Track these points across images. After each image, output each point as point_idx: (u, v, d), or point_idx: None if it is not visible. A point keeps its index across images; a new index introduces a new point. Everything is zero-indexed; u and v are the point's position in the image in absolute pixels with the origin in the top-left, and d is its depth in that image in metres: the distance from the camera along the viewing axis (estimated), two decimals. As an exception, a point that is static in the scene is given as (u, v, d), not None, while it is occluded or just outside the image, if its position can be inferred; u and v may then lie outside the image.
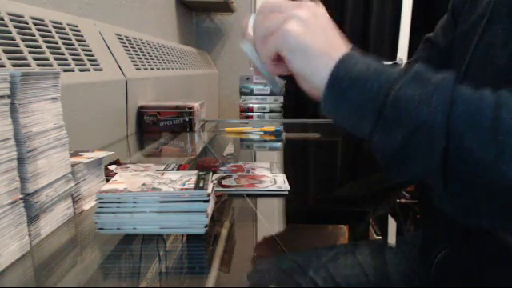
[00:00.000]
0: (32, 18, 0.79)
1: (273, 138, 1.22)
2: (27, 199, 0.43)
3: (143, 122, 1.20)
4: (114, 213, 0.46)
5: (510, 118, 0.30)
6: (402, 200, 0.74)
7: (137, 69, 1.24)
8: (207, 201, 0.46)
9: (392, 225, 0.68)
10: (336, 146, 1.23)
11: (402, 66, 0.79)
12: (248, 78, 1.93)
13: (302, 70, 0.39)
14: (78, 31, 0.96)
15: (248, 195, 0.64)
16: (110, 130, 1.03)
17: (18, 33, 0.73)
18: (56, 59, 0.81)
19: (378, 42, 2.34)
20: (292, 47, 0.39)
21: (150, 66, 1.37)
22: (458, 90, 0.32)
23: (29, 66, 0.72)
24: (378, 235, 0.63)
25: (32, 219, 0.44)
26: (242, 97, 1.96)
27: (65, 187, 0.50)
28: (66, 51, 0.86)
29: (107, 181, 0.55)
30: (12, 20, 0.73)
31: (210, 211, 0.47)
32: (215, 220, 0.54)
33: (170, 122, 1.21)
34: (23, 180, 0.43)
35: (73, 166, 0.52)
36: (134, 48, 1.31)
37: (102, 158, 0.59)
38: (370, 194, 0.79)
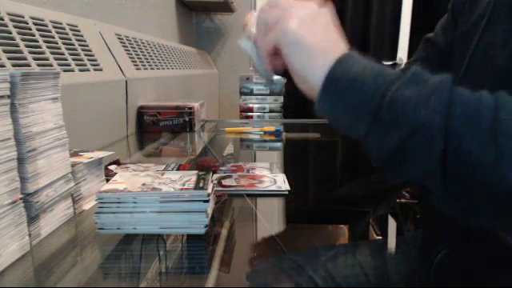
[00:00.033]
0: (32, 17, 0.79)
1: (273, 137, 1.22)
2: (27, 199, 0.43)
3: (143, 121, 1.20)
4: (114, 213, 0.46)
5: (509, 119, 0.30)
6: (402, 200, 0.74)
7: (137, 69, 1.24)
8: (207, 201, 0.46)
9: (392, 225, 0.68)
10: (336, 146, 1.23)
11: (402, 65, 0.79)
12: (248, 78, 1.93)
13: (298, 67, 0.39)
14: (78, 31, 0.96)
15: (248, 195, 0.64)
16: (110, 130, 1.03)
17: (18, 33, 0.73)
18: (56, 59, 0.81)
19: (378, 42, 2.34)
20: (290, 43, 0.39)
21: (149, 66, 1.37)
22: (455, 92, 0.31)
23: (29, 66, 0.72)
24: (378, 235, 0.63)
25: (32, 219, 0.44)
26: (242, 97, 1.96)
27: (65, 187, 0.50)
28: (65, 51, 0.86)
29: (107, 181, 0.55)
30: (12, 20, 0.73)
31: (210, 211, 0.47)
32: (215, 220, 0.54)
33: (169, 122, 1.21)
34: (23, 180, 0.43)
35: (73, 166, 0.52)
36: (134, 48, 1.31)
37: (102, 158, 0.59)
38: (369, 194, 0.79)
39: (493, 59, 0.47)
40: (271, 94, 1.94)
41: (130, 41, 1.30)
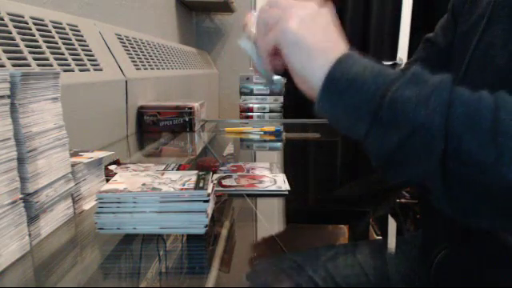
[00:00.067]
0: (32, 17, 0.79)
1: (273, 137, 1.22)
2: (27, 199, 0.43)
3: (143, 121, 1.20)
4: (114, 213, 0.46)
5: (509, 119, 0.30)
6: (402, 200, 0.74)
7: (137, 69, 1.24)
8: (207, 201, 0.46)
9: (392, 225, 0.68)
10: (336, 146, 1.23)
11: (402, 65, 0.79)
12: (248, 78, 1.93)
13: (298, 67, 0.39)
14: (78, 31, 0.96)
15: (248, 195, 0.64)
16: (110, 130, 1.03)
17: (18, 33, 0.73)
18: (56, 59, 0.81)
19: (378, 42, 2.34)
20: (290, 43, 0.39)
21: (150, 66, 1.37)
22: (455, 92, 0.31)
23: (29, 66, 0.72)
24: (378, 235, 0.63)
25: (32, 219, 0.44)
26: (242, 97, 1.96)
27: (65, 187, 0.50)
28: (65, 51, 0.86)
29: (107, 181, 0.55)
30: (12, 20, 0.73)
31: (210, 211, 0.47)
32: (215, 220, 0.54)
33: (169, 122, 1.21)
34: (23, 180, 0.43)
35: (73, 166, 0.52)
36: (134, 48, 1.31)
37: (102, 158, 0.59)
38: (369, 193, 0.79)
39: (493, 59, 0.47)
40: (271, 93, 1.94)
41: (129, 41, 1.30)
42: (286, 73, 0.46)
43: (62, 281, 0.39)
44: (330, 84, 0.36)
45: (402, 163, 0.33)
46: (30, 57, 0.73)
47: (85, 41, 0.97)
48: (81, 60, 0.92)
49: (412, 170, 0.33)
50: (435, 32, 0.64)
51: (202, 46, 2.63)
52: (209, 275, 0.41)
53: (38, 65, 0.75)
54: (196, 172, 0.53)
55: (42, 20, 0.83)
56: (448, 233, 0.51)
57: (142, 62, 1.32)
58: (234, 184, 0.68)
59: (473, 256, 0.48)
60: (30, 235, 0.44)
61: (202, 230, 0.46)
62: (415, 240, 0.62)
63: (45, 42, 0.80)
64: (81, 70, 0.89)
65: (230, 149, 1.11)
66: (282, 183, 0.68)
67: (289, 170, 0.79)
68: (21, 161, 0.42)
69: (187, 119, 1.21)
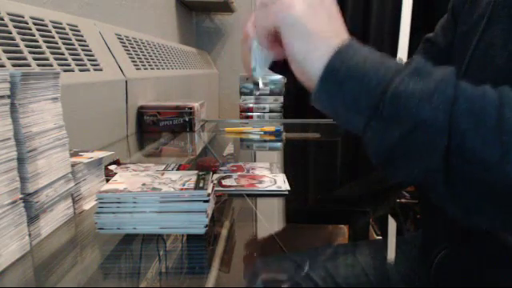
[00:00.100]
0: (32, 17, 0.79)
1: (273, 137, 1.22)
2: (27, 199, 0.43)
3: (143, 121, 1.20)
4: (114, 213, 0.46)
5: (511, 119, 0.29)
6: (402, 200, 0.74)
7: (137, 69, 1.24)
8: (207, 201, 0.46)
9: (392, 225, 0.68)
10: (336, 146, 1.23)
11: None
12: (248, 78, 1.93)
13: (297, 54, 0.37)
14: (78, 31, 0.96)
15: (248, 195, 0.64)
16: (110, 130, 1.03)
17: (18, 33, 0.73)
18: (56, 59, 0.81)
19: (378, 42, 2.34)
20: (291, 27, 0.37)
21: (150, 66, 1.37)
22: (459, 87, 0.31)
23: (29, 66, 0.72)
24: (378, 235, 0.63)
25: (32, 219, 0.44)
26: (242, 97, 1.96)
27: (65, 187, 0.50)
28: (65, 51, 0.86)
29: (107, 181, 0.55)
30: (12, 20, 0.73)
31: (209, 211, 0.47)
32: (215, 220, 0.54)
33: (169, 122, 1.21)
34: (23, 180, 0.43)
35: (73, 166, 0.52)
36: (134, 48, 1.31)
37: (102, 158, 0.59)
38: (369, 193, 0.79)
39: (493, 59, 0.47)
40: (271, 93, 1.94)
41: (129, 41, 1.30)
42: (286, 72, 0.46)
43: (62, 281, 0.39)
44: (330, 74, 0.34)
45: (403, 159, 0.32)
46: (29, 57, 0.73)
47: (85, 41, 0.97)
48: (81, 60, 0.92)
49: (413, 167, 0.33)
50: (435, 32, 0.64)
51: (202, 46, 2.63)
52: (209, 275, 0.41)
53: (38, 65, 0.75)
54: (196, 172, 0.53)
55: (42, 20, 0.83)
56: (448, 233, 0.51)
57: (142, 62, 1.32)
58: (234, 184, 0.68)
59: (473, 256, 0.48)
60: (30, 235, 0.44)
61: (202, 230, 0.46)
62: (415, 240, 0.62)
63: (45, 42, 0.80)
64: (81, 70, 0.89)
65: (230, 149, 1.11)
66: (282, 183, 0.68)
67: (289, 170, 0.79)
68: (21, 161, 0.42)
69: (187, 119, 1.21)
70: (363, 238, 0.63)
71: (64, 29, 0.90)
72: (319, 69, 0.35)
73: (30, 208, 0.44)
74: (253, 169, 0.78)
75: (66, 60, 0.85)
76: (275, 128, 1.25)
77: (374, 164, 0.34)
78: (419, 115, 0.30)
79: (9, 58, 0.68)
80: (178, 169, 0.73)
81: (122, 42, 1.23)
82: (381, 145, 0.33)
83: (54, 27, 0.86)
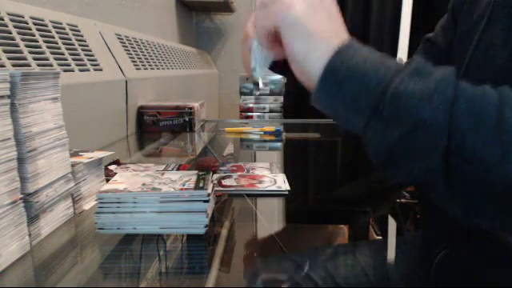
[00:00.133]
0: (32, 17, 0.79)
1: (273, 137, 1.22)
2: (27, 199, 0.43)
3: (143, 121, 1.20)
4: (114, 213, 0.46)
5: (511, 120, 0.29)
6: (402, 200, 0.74)
7: (137, 69, 1.24)
8: (207, 201, 0.46)
9: (392, 225, 0.68)
10: (336, 146, 1.23)
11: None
12: (248, 78, 1.93)
13: (297, 54, 0.37)
14: (78, 31, 0.96)
15: (248, 195, 0.64)
16: (110, 130, 1.03)
17: (18, 33, 0.73)
18: (56, 59, 0.81)
19: (378, 42, 2.34)
20: (291, 26, 0.36)
21: (150, 66, 1.37)
22: (459, 87, 0.31)
23: (29, 66, 0.72)
24: (378, 235, 0.63)
25: (32, 219, 0.44)
26: (242, 97, 1.96)
27: (65, 187, 0.50)
28: (65, 51, 0.86)
29: (107, 181, 0.55)
30: (12, 20, 0.73)
31: (209, 211, 0.47)
32: (215, 220, 0.54)
33: (169, 122, 1.21)
34: (23, 180, 0.43)
35: (73, 166, 0.52)
36: (134, 48, 1.31)
37: (102, 158, 0.59)
38: (369, 193, 0.79)
39: (492, 59, 0.47)
40: (271, 93, 1.94)
41: (129, 41, 1.30)
42: (286, 72, 0.46)
43: (62, 281, 0.39)
44: (330, 74, 0.34)
45: (403, 159, 0.32)
46: (29, 57, 0.73)
47: (85, 41, 0.97)
48: (81, 60, 0.92)
49: (413, 167, 0.33)
50: (435, 32, 0.64)
51: (202, 46, 2.63)
52: (209, 275, 0.41)
53: (38, 65, 0.75)
54: (196, 172, 0.53)
55: (42, 20, 0.83)
56: (448, 233, 0.51)
57: (142, 62, 1.32)
58: (234, 184, 0.68)
59: (473, 256, 0.48)
60: (30, 235, 0.44)
61: (202, 230, 0.46)
62: (415, 240, 0.62)
63: (45, 42, 0.80)
64: (81, 70, 0.89)
65: (230, 149, 1.11)
66: (282, 183, 0.68)
67: (289, 170, 0.79)
68: (21, 161, 0.42)
69: (187, 119, 1.21)
70: (363, 238, 0.63)
71: (64, 29, 0.90)
72: (319, 69, 0.35)
73: (30, 208, 0.44)
74: (253, 169, 0.78)
75: (66, 60, 0.85)
76: (275, 128, 1.25)
77: (374, 164, 0.34)
78: (419, 115, 0.30)
79: (9, 58, 0.68)
80: (178, 169, 0.73)
81: (122, 42, 1.23)
82: (381, 145, 0.33)
83: (54, 27, 0.86)
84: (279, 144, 1.19)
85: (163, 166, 0.75)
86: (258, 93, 1.91)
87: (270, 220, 0.60)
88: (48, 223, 0.47)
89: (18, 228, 0.41)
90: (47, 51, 0.80)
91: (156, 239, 0.47)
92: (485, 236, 0.44)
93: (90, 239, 0.48)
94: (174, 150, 1.06)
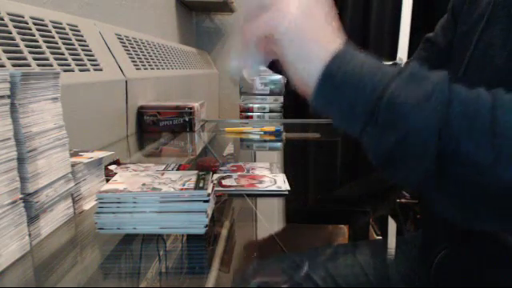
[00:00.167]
0: (32, 17, 0.79)
1: (273, 137, 1.22)
2: (27, 199, 0.43)
3: (143, 121, 1.20)
4: (114, 213, 0.46)
5: (506, 119, 0.29)
6: (402, 200, 0.74)
7: (137, 69, 1.24)
8: (207, 201, 0.46)
9: (392, 225, 0.68)
10: (336, 146, 1.23)
11: (402, 65, 0.79)
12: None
13: (292, 59, 0.36)
14: (78, 31, 0.96)
15: (248, 195, 0.64)
16: (110, 130, 1.03)
17: (18, 33, 0.73)
18: (56, 59, 0.81)
19: (378, 42, 2.34)
20: (286, 31, 0.36)
21: (150, 66, 1.37)
22: (453, 91, 0.31)
23: (29, 66, 0.72)
24: (378, 235, 0.63)
25: (32, 219, 0.44)
26: (242, 97, 1.96)
27: (65, 187, 0.50)
28: (65, 51, 0.86)
29: (107, 181, 0.55)
30: (12, 20, 0.73)
31: (209, 211, 0.47)
32: (215, 220, 0.54)
33: (169, 122, 1.21)
34: (23, 180, 0.43)
35: (73, 166, 0.52)
36: (134, 48, 1.31)
37: (102, 158, 0.59)
38: (369, 193, 0.79)
39: (492, 59, 0.47)
40: (271, 93, 1.94)
41: (129, 41, 1.30)
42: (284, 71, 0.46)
43: (62, 281, 0.39)
44: (326, 80, 0.34)
45: (400, 163, 0.33)
46: (29, 57, 0.73)
47: (85, 41, 0.97)
48: (81, 60, 0.92)
49: (410, 170, 0.33)
50: (435, 32, 0.64)
51: (202, 46, 2.63)
52: (209, 275, 0.41)
53: (38, 65, 0.75)
54: (196, 172, 0.53)
55: (42, 20, 0.83)
56: (448, 233, 0.51)
57: (142, 62, 1.32)
58: (234, 184, 0.68)
59: (473, 256, 0.48)
60: (30, 235, 0.44)
61: (201, 230, 0.46)
62: (415, 240, 0.62)
63: (45, 42, 0.80)
64: (81, 70, 0.89)
65: (230, 149, 1.11)
66: (282, 183, 0.68)
67: (289, 170, 0.79)
68: (21, 161, 0.42)
69: (187, 119, 1.21)
70: (363, 238, 0.64)
71: (64, 29, 0.90)
72: (316, 75, 0.35)
73: (30, 208, 0.44)
74: (253, 169, 0.78)
75: (66, 60, 0.85)
76: (275, 128, 1.25)
77: (374, 165, 0.34)
78: (413, 121, 0.31)
79: (9, 58, 0.68)
80: (178, 169, 0.73)
81: (122, 42, 1.23)
82: (377, 149, 0.33)
83: (54, 27, 0.86)
84: (279, 144, 1.19)
85: (163, 166, 0.75)
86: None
87: (269, 220, 0.60)
88: (48, 223, 0.47)
89: (17, 228, 0.41)
90: (47, 51, 0.80)
91: (156, 239, 0.48)
92: (485, 236, 0.44)
93: (89, 239, 0.48)
94: (174, 150, 1.06)
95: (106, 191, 0.46)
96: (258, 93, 1.95)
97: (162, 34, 1.88)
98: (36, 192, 0.44)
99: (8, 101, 0.40)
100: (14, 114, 0.41)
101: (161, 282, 0.41)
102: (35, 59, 0.75)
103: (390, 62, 1.75)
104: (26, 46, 0.74)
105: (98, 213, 0.46)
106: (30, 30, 0.77)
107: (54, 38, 0.84)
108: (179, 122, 1.21)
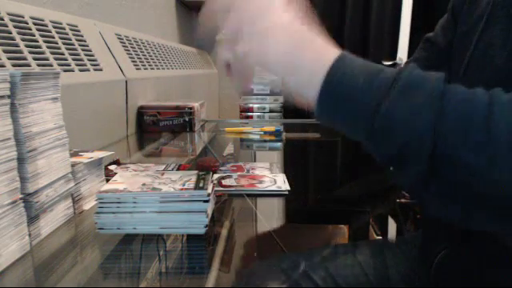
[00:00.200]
0: (32, 17, 0.79)
1: (273, 137, 1.22)
2: (27, 199, 0.43)
3: (143, 121, 1.20)
4: (114, 213, 0.46)
5: (502, 121, 0.30)
6: (402, 200, 0.74)
7: (137, 69, 1.24)
8: (207, 201, 0.46)
9: (392, 225, 0.68)
10: (336, 146, 1.23)
11: (402, 65, 0.79)
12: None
13: (286, 82, 0.38)
14: (78, 31, 0.96)
15: (248, 195, 0.64)
16: (110, 130, 1.03)
17: (18, 33, 0.73)
18: (56, 59, 0.81)
19: (378, 42, 2.34)
20: (270, 62, 0.38)
21: (150, 66, 1.37)
22: (447, 97, 0.31)
23: (29, 66, 0.72)
24: (378, 235, 0.63)
25: (32, 219, 0.44)
26: (242, 97, 1.96)
27: (65, 187, 0.50)
28: (65, 51, 0.86)
29: (107, 181, 0.55)
30: (12, 20, 0.73)
31: (209, 211, 0.47)
32: (215, 220, 0.54)
33: (169, 122, 1.21)
34: (23, 180, 0.43)
35: (73, 166, 0.52)
36: (134, 48, 1.31)
37: (102, 158, 0.59)
38: (369, 193, 0.79)
39: (492, 59, 0.47)
40: (271, 93, 1.94)
41: (129, 41, 1.30)
42: None
43: (62, 281, 0.39)
44: (324, 99, 0.35)
45: (403, 166, 0.33)
46: (29, 57, 0.73)
47: (85, 41, 0.97)
48: (81, 60, 0.92)
49: (410, 173, 0.33)
50: (435, 32, 0.64)
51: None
52: (209, 275, 0.41)
53: (38, 65, 0.75)
54: (196, 172, 0.53)
55: (42, 20, 0.83)
56: (448, 233, 0.51)
57: (142, 62, 1.32)
58: (234, 184, 0.68)
59: (473, 256, 0.48)
60: (30, 235, 0.44)
61: (201, 230, 0.46)
62: (415, 240, 0.62)
63: (45, 42, 0.80)
64: (81, 70, 0.89)
65: (230, 149, 1.11)
66: (282, 183, 0.68)
67: (289, 170, 0.79)
68: (21, 161, 0.42)
69: (187, 119, 1.21)
70: (363, 238, 0.63)
71: (64, 29, 0.90)
72: (314, 93, 0.36)
73: (30, 208, 0.44)
74: (253, 169, 0.78)
75: (66, 60, 0.85)
76: (275, 128, 1.25)
77: (375, 166, 0.35)
78: (411, 131, 0.31)
79: (9, 58, 0.68)
80: (178, 169, 0.73)
81: (122, 42, 1.23)
82: (380, 155, 0.35)
83: (54, 27, 0.86)
84: (279, 144, 1.19)
85: (163, 166, 0.75)
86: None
87: (269, 220, 0.60)
88: (48, 223, 0.47)
89: (18, 228, 0.41)
90: (47, 51, 0.80)
91: (156, 239, 0.48)
92: (485, 236, 0.44)
93: (89, 239, 0.48)
94: (174, 150, 1.06)
95: (106, 191, 0.46)
96: (257, 93, 1.95)
97: (162, 34, 1.88)
98: (36, 192, 0.44)
99: (8, 101, 0.40)
100: (14, 114, 0.41)
101: (161, 282, 0.41)
102: (35, 59, 0.75)
103: (390, 62, 1.75)
104: (26, 46, 0.74)
105: (97, 213, 0.46)
106: (30, 30, 0.77)
107: (53, 37, 0.84)
108: (179, 122, 1.21)
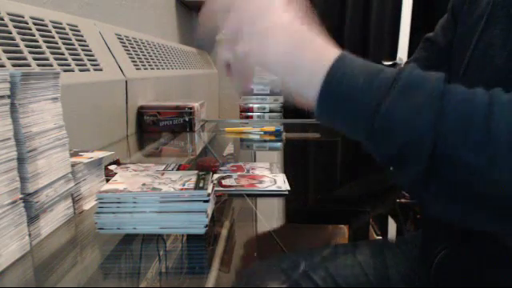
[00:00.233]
0: (32, 17, 0.79)
1: (273, 137, 1.22)
2: (27, 199, 0.43)
3: (143, 121, 1.20)
4: (114, 213, 0.46)
5: (502, 121, 0.30)
6: (402, 200, 0.74)
7: (137, 69, 1.24)
8: (207, 201, 0.46)
9: (392, 225, 0.68)
10: (336, 146, 1.23)
11: (402, 65, 0.79)
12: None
13: (286, 82, 0.38)
14: (78, 31, 0.96)
15: (248, 195, 0.64)
16: (110, 130, 1.03)
17: (18, 33, 0.73)
18: (56, 59, 0.81)
19: (378, 42, 2.34)
20: (270, 62, 0.38)
21: (150, 66, 1.37)
22: (447, 98, 0.31)
23: (29, 66, 0.72)
24: (378, 235, 0.63)
25: (32, 219, 0.44)
26: (242, 97, 1.96)
27: (65, 187, 0.50)
28: (65, 51, 0.86)
29: (107, 181, 0.55)
30: (12, 20, 0.73)
31: (209, 211, 0.47)
32: (215, 220, 0.54)
33: (169, 122, 1.21)
34: (23, 180, 0.43)
35: (73, 166, 0.52)
36: (134, 48, 1.31)
37: (102, 158, 0.59)
38: (369, 193, 0.79)
39: (492, 59, 0.47)
40: (271, 93, 1.94)
41: (129, 41, 1.30)
42: None
43: (62, 281, 0.39)
44: (323, 100, 0.35)
45: (403, 167, 0.33)
46: (29, 57, 0.73)
47: (85, 41, 0.97)
48: (81, 60, 0.92)
49: (410, 173, 0.33)
50: (435, 32, 0.64)
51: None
52: (209, 275, 0.41)
53: (38, 65, 0.75)
54: (196, 172, 0.53)
55: (42, 20, 0.83)
56: (448, 233, 0.51)
57: (142, 62, 1.32)
58: (234, 184, 0.68)
59: (473, 256, 0.48)
60: (30, 235, 0.44)
61: (201, 230, 0.46)
62: (415, 240, 0.62)
63: (45, 42, 0.80)
64: (81, 70, 0.89)
65: (229, 149, 1.11)
66: (281, 183, 0.68)
67: (289, 170, 0.79)
68: (21, 161, 0.42)
69: (187, 119, 1.21)
70: (363, 238, 0.63)
71: (64, 29, 0.90)
72: (313, 95, 0.36)
73: (30, 208, 0.44)
74: (253, 169, 0.78)
75: (66, 60, 0.85)
76: (275, 128, 1.25)
77: (374, 166, 0.35)
78: (410, 132, 0.31)
79: (9, 58, 0.68)
80: (178, 169, 0.73)
81: (122, 42, 1.23)
82: (380, 155, 0.35)
83: (54, 27, 0.86)
84: (279, 144, 1.19)
85: (163, 166, 0.75)
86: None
87: (269, 220, 0.60)
88: (48, 223, 0.47)
89: (18, 228, 0.41)
90: (47, 51, 0.80)
91: (156, 239, 0.48)
92: (485, 236, 0.44)
93: (89, 239, 0.48)
94: (174, 150, 1.06)
95: (106, 191, 0.46)
96: (257, 93, 1.95)
97: (162, 34, 1.88)
98: (36, 192, 0.44)
99: (8, 101, 0.40)
100: (14, 114, 0.41)
101: (161, 282, 0.41)
102: (35, 59, 0.75)
103: (390, 62, 1.74)
104: (26, 46, 0.74)
105: (97, 213, 0.46)
106: (30, 29, 0.77)
107: (54, 37, 0.84)
108: (179, 122, 1.21)
